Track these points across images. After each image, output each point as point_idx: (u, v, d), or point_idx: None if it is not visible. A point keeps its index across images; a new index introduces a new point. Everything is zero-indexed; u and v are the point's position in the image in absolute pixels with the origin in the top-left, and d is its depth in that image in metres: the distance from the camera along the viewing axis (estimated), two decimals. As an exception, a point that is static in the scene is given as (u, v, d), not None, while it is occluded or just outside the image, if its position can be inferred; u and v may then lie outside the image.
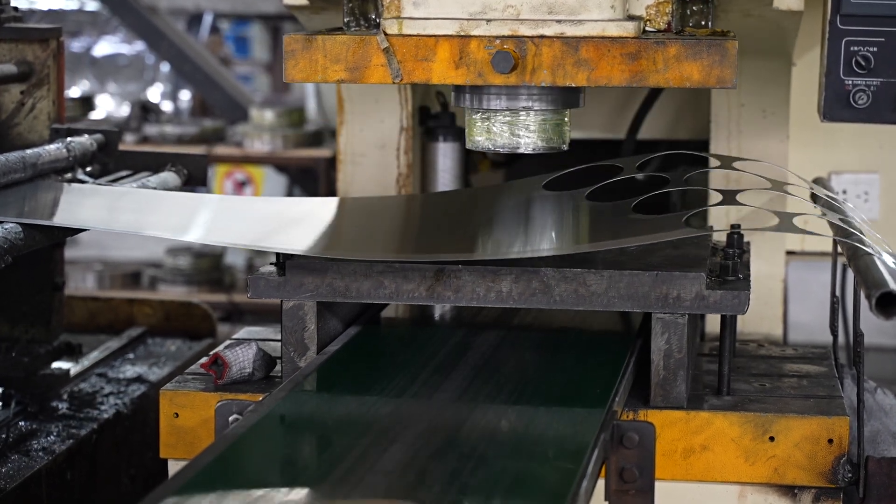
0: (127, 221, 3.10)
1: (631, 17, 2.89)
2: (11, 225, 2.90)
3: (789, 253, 3.84)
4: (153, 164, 3.64)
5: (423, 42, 2.84)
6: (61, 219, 3.02)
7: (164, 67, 13.81)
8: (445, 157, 3.86)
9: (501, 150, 2.97)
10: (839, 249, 2.95)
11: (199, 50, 10.06)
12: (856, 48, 2.92)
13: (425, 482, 2.22)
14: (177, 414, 2.89)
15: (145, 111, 8.90)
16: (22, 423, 3.41)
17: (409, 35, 2.84)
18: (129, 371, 3.88)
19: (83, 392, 3.68)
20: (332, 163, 7.95)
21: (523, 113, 2.94)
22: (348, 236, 3.25)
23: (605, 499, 2.53)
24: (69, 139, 3.44)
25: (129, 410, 3.62)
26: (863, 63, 2.91)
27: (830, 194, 3.22)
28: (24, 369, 3.55)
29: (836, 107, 2.95)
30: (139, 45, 14.10)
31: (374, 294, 2.87)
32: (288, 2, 3.41)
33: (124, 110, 11.79)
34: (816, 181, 3.52)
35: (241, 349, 2.94)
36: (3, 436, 3.33)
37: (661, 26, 2.92)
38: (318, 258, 2.89)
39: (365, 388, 2.71)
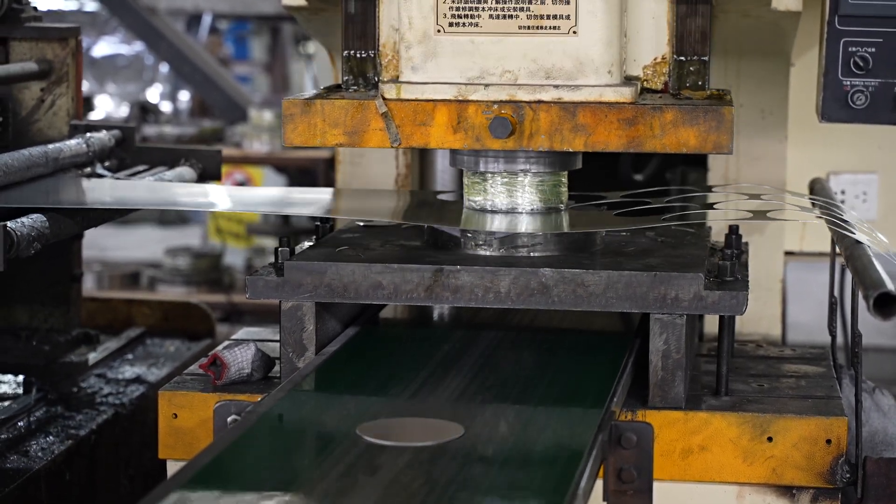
0: (152, 199, 3.28)
1: (628, 79, 2.92)
2: (37, 215, 2.98)
3: (788, 253, 3.85)
4: (168, 159, 3.73)
5: (421, 107, 2.87)
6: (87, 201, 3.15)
7: (164, 68, 13.83)
8: (444, 157, 3.86)
9: (499, 211, 2.99)
10: (837, 250, 2.95)
11: (198, 51, 10.06)
12: (854, 49, 2.92)
13: (425, 482, 2.22)
14: (175, 415, 2.89)
15: (144, 112, 8.91)
16: (43, 409, 3.51)
17: (408, 100, 2.88)
18: (128, 371, 3.88)
19: (82, 392, 3.68)
20: (330, 163, 7.95)
21: (521, 175, 2.97)
22: (355, 206, 3.31)
23: (604, 499, 2.53)
24: (88, 135, 3.55)
25: (127, 411, 3.62)
26: (861, 64, 2.91)
27: (829, 200, 3.22)
28: (44, 357, 3.65)
29: (835, 107, 2.95)
30: (138, 46, 14.12)
31: (373, 295, 2.87)
32: (287, 2, 3.42)
33: (123, 111, 11.81)
34: (815, 182, 3.52)
35: (240, 350, 2.94)
36: (25, 421, 3.41)
37: (658, 86, 2.95)
38: (317, 259, 2.90)
39: (364, 389, 2.72)
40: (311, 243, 3.14)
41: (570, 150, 2.86)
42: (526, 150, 2.88)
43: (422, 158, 3.92)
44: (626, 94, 2.84)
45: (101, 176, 3.50)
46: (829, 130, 3.88)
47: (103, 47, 14.29)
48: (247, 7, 13.40)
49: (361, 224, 3.32)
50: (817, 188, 3.39)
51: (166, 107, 13.06)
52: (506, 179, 2.99)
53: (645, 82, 2.96)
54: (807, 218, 3.18)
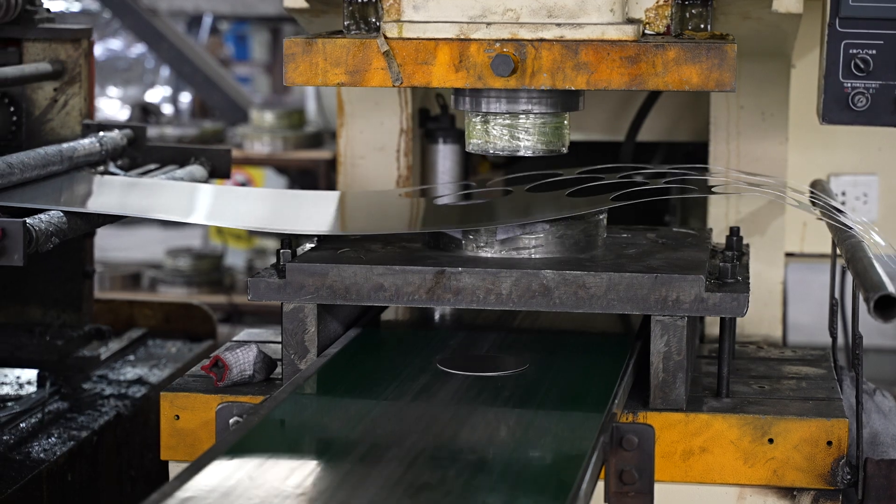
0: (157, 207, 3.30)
1: (630, 21, 2.90)
2: (54, 212, 3.01)
3: (788, 255, 3.85)
4: (179, 157, 3.78)
5: (422, 45, 2.85)
6: (95, 206, 3.18)
7: (165, 71, 13.82)
8: (445, 159, 3.87)
9: (501, 154, 2.98)
10: (838, 251, 2.96)
11: (199, 52, 10.07)
12: (855, 51, 2.92)
13: (426, 483, 2.23)
14: (178, 416, 2.90)
15: (145, 113, 8.91)
16: (57, 404, 3.57)
17: (409, 38, 2.85)
18: (130, 373, 3.89)
19: (84, 393, 3.68)
20: (331, 164, 7.96)
21: (523, 116, 2.95)
22: (353, 218, 3.32)
23: (605, 500, 2.53)
24: (101, 134, 3.61)
25: (129, 412, 3.62)
26: (862, 66, 2.92)
27: (830, 200, 3.23)
28: (57, 352, 3.71)
29: (835, 109, 2.96)
30: (140, 48, 14.12)
31: (375, 296, 2.88)
32: (288, 4, 3.42)
33: (124, 113, 11.81)
34: (815, 183, 3.52)
35: (242, 351, 2.95)
36: (40, 415, 3.47)
37: (660, 29, 2.93)
38: (319, 261, 2.90)
39: (365, 391, 2.72)
40: (312, 245, 3.14)
41: (573, 88, 2.83)
42: (528, 89, 2.86)
43: (423, 160, 3.92)
44: (628, 31, 2.82)
45: (113, 174, 3.56)
46: (830, 132, 3.89)
47: (104, 49, 14.29)
48: (247, 8, 13.41)
49: (363, 226, 3.32)
50: (818, 190, 3.40)
51: (167, 108, 13.06)
52: (507, 121, 2.97)
53: (647, 25, 2.94)
54: (800, 205, 3.18)
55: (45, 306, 3.82)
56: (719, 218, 3.68)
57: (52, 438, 3.35)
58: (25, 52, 3.70)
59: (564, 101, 2.97)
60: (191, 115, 11.23)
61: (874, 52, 2.92)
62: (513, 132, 2.96)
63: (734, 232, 3.20)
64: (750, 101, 3.70)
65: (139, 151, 3.74)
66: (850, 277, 2.79)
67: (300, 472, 2.27)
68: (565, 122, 3.01)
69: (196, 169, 3.72)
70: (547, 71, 2.81)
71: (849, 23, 2.92)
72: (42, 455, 3.25)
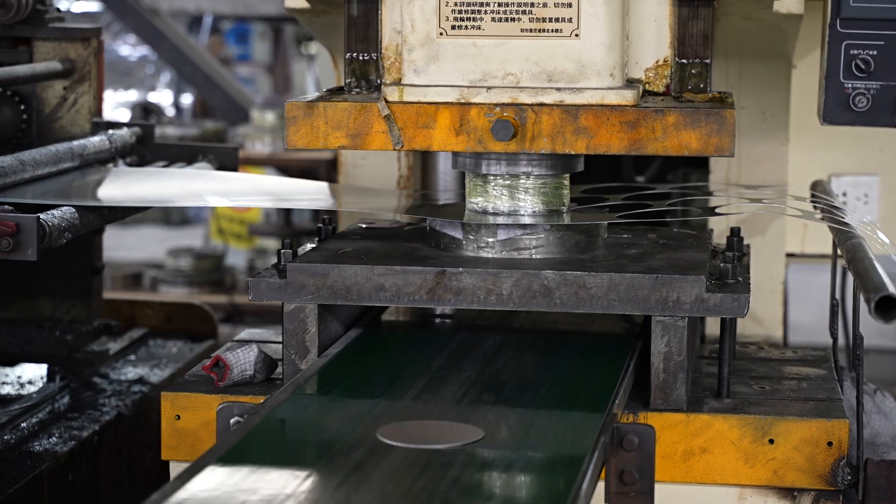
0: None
1: (630, 82, 2.93)
2: (67, 207, 3.06)
3: (789, 255, 3.85)
4: (187, 155, 3.83)
5: (423, 109, 2.87)
6: (107, 199, 3.25)
7: (164, 77, 13.83)
8: (446, 159, 3.87)
9: (501, 213, 3.00)
10: (839, 252, 2.96)
11: (200, 52, 10.07)
12: (856, 51, 2.92)
13: (426, 483, 2.23)
14: (178, 416, 2.90)
15: (146, 113, 8.92)
16: (58, 404, 3.61)
17: (410, 102, 2.88)
18: (131, 372, 3.89)
19: (85, 393, 3.69)
20: (333, 165, 7.96)
21: (523, 177, 2.98)
22: (349, 202, 3.38)
23: (605, 501, 2.53)
24: (111, 132, 3.67)
25: (130, 412, 3.63)
26: (862, 66, 2.92)
27: (829, 199, 3.23)
28: (66, 347, 3.75)
29: (836, 110, 2.96)
30: (142, 49, 14.11)
31: (375, 297, 2.88)
32: (289, 5, 3.42)
33: (125, 114, 11.82)
34: (816, 184, 3.52)
35: (243, 351, 2.95)
36: (50, 408, 3.52)
37: (659, 89, 2.96)
38: (320, 261, 2.90)
39: (366, 391, 2.72)
40: (313, 245, 3.14)
41: (573, 152, 2.86)
42: (528, 152, 2.88)
43: (424, 160, 3.92)
44: (628, 96, 2.84)
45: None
46: (831, 133, 3.89)
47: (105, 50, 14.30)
48: (249, 8, 13.41)
49: (364, 226, 3.32)
50: (819, 190, 3.40)
51: (169, 109, 13.07)
52: (508, 182, 2.99)
53: (647, 85, 2.96)
54: (805, 214, 3.19)
55: (54, 302, 3.87)
56: (720, 219, 3.68)
57: (53, 438, 3.35)
58: (36, 50, 3.74)
59: (564, 163, 3.00)
60: (192, 115, 11.23)
61: (875, 52, 2.92)
62: (513, 193, 2.99)
63: (735, 232, 3.20)
64: (751, 101, 3.70)
65: (147, 149, 3.80)
66: (850, 278, 2.79)
67: (301, 473, 2.27)
68: (565, 182, 3.03)
69: (204, 166, 3.77)
70: (547, 135, 2.84)
71: (850, 23, 2.92)
72: (43, 455, 3.26)
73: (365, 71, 3.03)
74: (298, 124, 2.93)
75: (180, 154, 3.83)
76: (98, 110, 3.79)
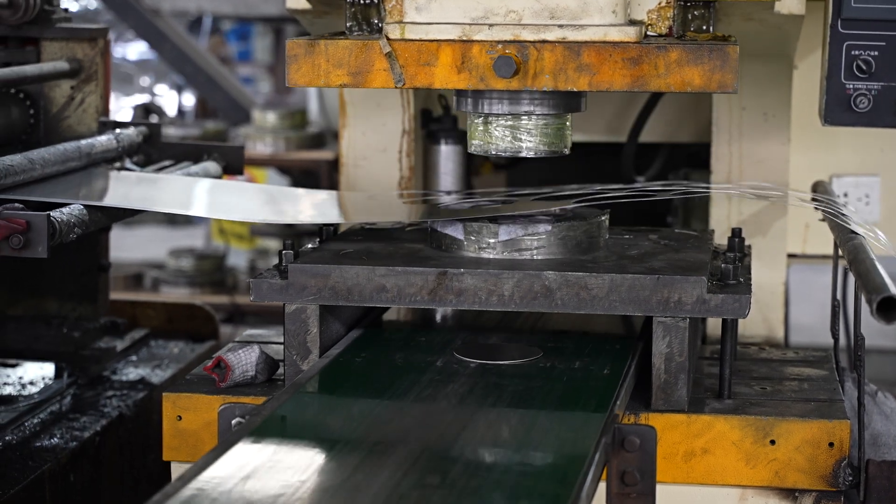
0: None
1: (632, 22, 2.90)
2: (75, 205, 3.09)
3: (790, 256, 3.85)
4: (193, 154, 3.86)
5: (425, 47, 2.85)
6: (114, 200, 3.28)
7: (165, 82, 13.83)
8: (447, 160, 3.87)
9: (503, 154, 2.99)
10: (840, 252, 2.96)
11: (201, 52, 10.07)
12: (857, 52, 2.93)
13: (428, 484, 2.23)
14: (180, 417, 2.90)
15: (148, 113, 8.90)
16: (74, 393, 3.68)
17: (412, 40, 2.86)
18: (132, 373, 3.89)
19: (87, 394, 3.69)
20: (334, 165, 7.96)
21: (525, 117, 2.95)
22: (354, 211, 3.41)
23: (607, 502, 2.53)
24: (118, 131, 3.71)
25: (132, 413, 3.63)
26: (864, 67, 2.92)
27: (831, 198, 3.23)
28: (73, 344, 3.79)
29: (837, 110, 2.96)
30: (143, 50, 14.11)
31: (377, 297, 2.88)
32: (290, 5, 3.43)
33: (125, 115, 11.82)
34: (817, 184, 3.53)
35: (244, 352, 2.95)
36: (58, 405, 3.58)
37: (662, 31, 2.93)
38: (321, 262, 2.91)
39: (367, 392, 2.72)
40: (314, 245, 3.14)
41: (575, 89, 2.83)
42: (530, 90, 2.86)
43: (425, 161, 3.92)
44: (630, 33, 2.82)
45: (129, 170, 3.63)
46: (832, 133, 3.89)
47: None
48: (250, 9, 13.41)
49: (367, 227, 3.32)
50: (820, 191, 3.40)
51: (171, 110, 13.07)
52: (510, 122, 2.97)
53: (649, 26, 2.94)
54: (801, 203, 3.19)
55: (61, 299, 3.90)
56: (721, 219, 3.68)
57: (55, 439, 3.36)
58: (43, 50, 3.78)
59: (567, 102, 2.97)
60: (195, 117, 11.23)
61: (876, 53, 2.92)
62: (515, 133, 2.96)
63: (736, 233, 3.20)
64: (752, 102, 3.70)
65: (154, 148, 3.83)
66: (852, 278, 2.79)
67: (302, 473, 2.27)
68: (567, 123, 3.01)
69: (210, 165, 3.79)
70: (549, 72, 2.82)
71: (851, 24, 2.92)
72: (45, 455, 3.26)
73: (367, 14, 3.01)
74: (299, 62, 2.91)
75: (186, 153, 3.86)
76: (105, 110, 3.83)
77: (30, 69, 3.61)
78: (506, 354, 2.93)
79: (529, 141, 2.97)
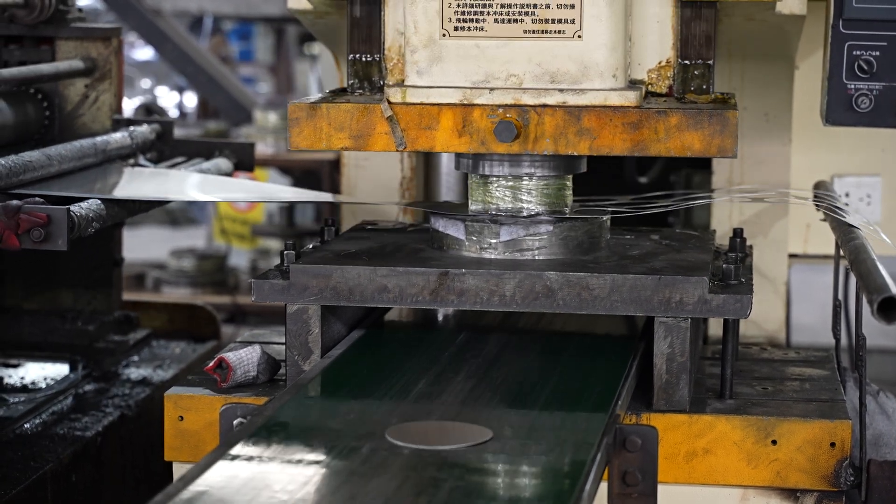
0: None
1: (633, 83, 2.93)
2: (93, 200, 3.15)
3: (792, 256, 3.85)
4: (205, 151, 3.94)
5: (426, 111, 2.88)
6: (124, 193, 3.35)
7: (166, 84, 13.83)
8: (449, 160, 3.87)
9: (504, 215, 3.01)
10: (842, 253, 2.96)
11: (203, 53, 10.07)
12: (858, 52, 2.93)
13: (429, 484, 2.23)
14: (181, 417, 2.90)
15: (150, 114, 8.90)
16: (89, 387, 3.74)
17: (413, 104, 2.88)
18: (134, 373, 3.89)
19: (87, 394, 3.69)
20: (335, 165, 7.96)
21: (526, 178, 2.98)
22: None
23: (608, 502, 2.54)
24: (132, 128, 3.78)
25: (133, 413, 3.63)
26: (865, 67, 2.92)
27: (832, 196, 3.23)
28: (87, 338, 3.86)
29: (839, 111, 2.96)
30: (143, 51, 14.11)
31: (378, 298, 2.88)
32: (292, 5, 3.43)
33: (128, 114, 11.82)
34: (819, 184, 3.53)
35: (246, 353, 2.95)
36: (72, 397, 3.65)
37: (662, 90, 2.96)
38: (323, 262, 2.91)
39: (369, 392, 2.72)
40: (316, 245, 3.14)
41: (575, 153, 2.86)
42: (531, 153, 2.88)
43: (426, 161, 3.93)
44: (630, 97, 2.84)
45: (143, 166, 3.69)
46: (833, 133, 3.89)
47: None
48: (251, 9, 13.42)
49: (368, 227, 3.33)
50: (821, 191, 3.40)
51: (173, 110, 13.07)
52: (510, 183, 3.00)
53: (649, 86, 2.96)
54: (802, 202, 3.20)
55: (75, 293, 3.96)
56: (723, 219, 3.68)
57: (57, 439, 3.36)
58: (58, 49, 3.83)
59: (567, 164, 3.00)
60: (197, 117, 11.23)
61: (878, 53, 2.92)
62: (516, 194, 2.99)
63: (737, 233, 3.20)
64: (753, 102, 3.70)
65: (167, 145, 3.90)
66: (853, 278, 2.79)
67: (303, 474, 2.27)
68: (568, 183, 3.03)
69: (222, 161, 3.86)
70: (550, 136, 2.84)
71: (852, 24, 2.92)
72: (46, 455, 3.26)
73: (368, 72, 3.03)
74: (301, 125, 2.93)
75: (198, 150, 3.93)
76: (118, 108, 3.88)
77: (45, 68, 3.67)
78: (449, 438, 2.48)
79: (530, 202, 2.99)
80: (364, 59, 3.02)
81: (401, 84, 2.94)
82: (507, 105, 2.86)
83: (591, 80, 2.87)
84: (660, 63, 2.96)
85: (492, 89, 2.88)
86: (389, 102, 2.90)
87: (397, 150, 2.90)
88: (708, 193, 3.55)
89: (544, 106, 2.85)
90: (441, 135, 2.88)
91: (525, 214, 2.99)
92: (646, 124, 2.82)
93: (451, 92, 2.88)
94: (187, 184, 3.58)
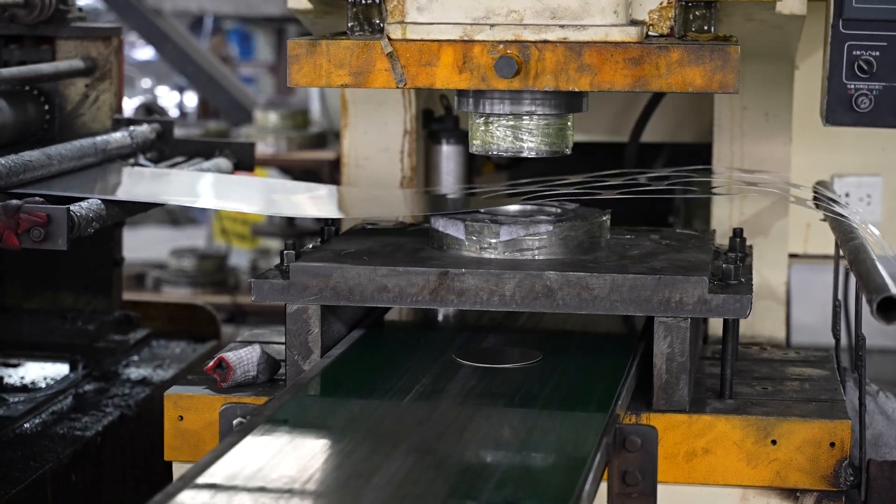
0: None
1: (634, 22, 2.90)
2: (93, 199, 3.14)
3: (792, 256, 3.85)
4: (205, 150, 3.94)
5: (426, 47, 2.86)
6: (129, 194, 3.36)
7: (166, 84, 13.82)
8: (449, 160, 3.87)
9: (504, 154, 2.99)
10: (841, 253, 2.96)
11: (203, 53, 10.07)
12: (858, 52, 2.93)
13: (428, 484, 2.23)
14: (181, 416, 2.90)
15: (149, 113, 8.91)
16: (89, 387, 3.74)
17: (413, 40, 2.86)
18: (134, 373, 3.89)
19: (87, 394, 3.69)
20: (335, 165, 7.96)
21: (526, 117, 2.95)
22: (354, 206, 3.44)
23: (608, 502, 2.54)
24: (132, 128, 3.78)
25: (133, 413, 3.63)
26: (865, 67, 2.92)
27: (834, 199, 3.23)
28: (87, 337, 3.85)
29: (839, 111, 2.96)
30: (145, 50, 14.10)
31: (378, 297, 2.88)
32: (292, 5, 3.43)
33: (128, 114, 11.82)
34: (819, 184, 3.52)
35: (246, 352, 2.95)
36: (72, 397, 3.64)
37: (663, 31, 2.93)
38: (323, 261, 2.91)
39: (369, 392, 2.72)
40: (315, 245, 3.14)
41: (576, 89, 2.84)
42: (531, 90, 2.87)
43: (426, 161, 3.93)
44: (631, 33, 2.82)
45: (143, 166, 3.70)
46: (834, 133, 3.89)
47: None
48: (251, 9, 13.41)
49: (368, 227, 3.33)
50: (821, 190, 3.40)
51: (173, 110, 13.06)
52: (511, 122, 2.97)
53: (651, 27, 2.93)
54: (796, 200, 3.19)
55: (76, 293, 3.96)
56: (723, 219, 3.68)
57: (56, 439, 3.36)
58: (58, 49, 3.83)
59: (568, 102, 2.97)
60: (197, 117, 11.22)
61: (877, 53, 2.92)
62: (516, 133, 2.96)
63: (737, 233, 3.20)
64: (753, 102, 3.70)
65: (167, 145, 3.90)
66: (853, 278, 2.79)
67: (303, 474, 2.28)
68: (569, 123, 3.01)
69: (222, 161, 3.86)
70: (550, 72, 2.82)
71: (852, 24, 2.92)
72: (46, 455, 3.26)
73: (368, 15, 3.02)
74: (301, 62, 2.91)
75: (198, 150, 3.93)
76: (118, 107, 3.88)
77: (45, 67, 3.67)
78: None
79: (531, 141, 2.97)
80: (364, 1, 3.01)
81: (401, 21, 2.92)
82: (507, 41, 2.83)
83: (592, 15, 2.84)
84: (661, 3, 2.93)
85: (492, 25, 2.85)
86: (389, 39, 2.88)
87: (397, 87, 2.87)
88: (707, 167, 3.54)
89: (545, 42, 2.83)
90: (441, 71, 2.86)
91: (525, 154, 2.98)
92: (647, 60, 2.80)
93: (452, 28, 2.86)
94: (199, 186, 3.58)
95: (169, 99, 14.52)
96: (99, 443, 3.44)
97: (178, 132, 4.08)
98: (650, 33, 2.92)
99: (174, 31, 9.65)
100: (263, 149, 8.35)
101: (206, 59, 9.80)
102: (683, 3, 2.94)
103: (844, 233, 2.98)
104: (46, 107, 3.79)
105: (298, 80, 2.91)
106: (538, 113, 2.95)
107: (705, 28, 2.94)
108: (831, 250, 3.33)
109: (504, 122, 2.96)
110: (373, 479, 2.24)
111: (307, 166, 8.42)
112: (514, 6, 2.86)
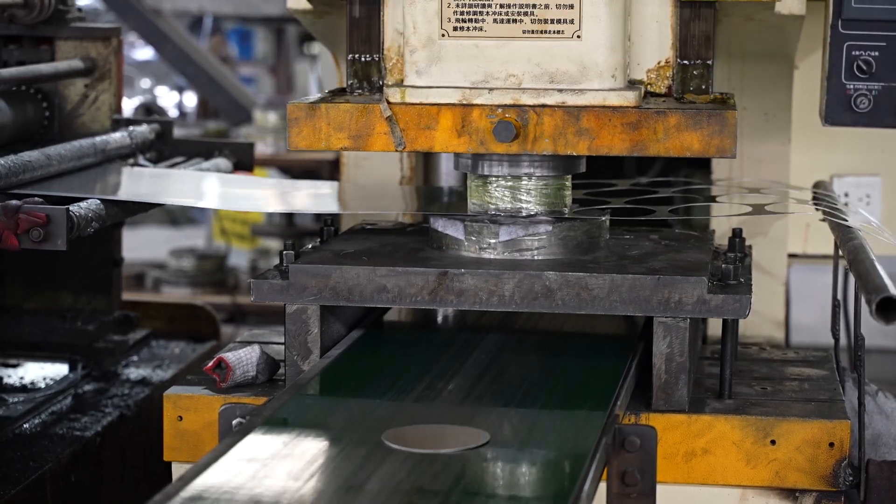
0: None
1: (632, 83, 2.93)
2: (92, 200, 3.15)
3: (791, 256, 3.85)
4: (204, 151, 3.96)
5: (425, 111, 2.87)
6: (129, 194, 3.37)
7: (166, 84, 13.82)
8: (448, 160, 3.87)
9: (502, 214, 3.01)
10: (840, 253, 2.96)
11: (202, 53, 10.07)
12: (857, 52, 2.93)
13: (428, 483, 2.23)
14: (181, 417, 2.90)
15: (149, 113, 8.91)
16: (88, 387, 3.76)
17: (412, 104, 2.88)
18: (134, 373, 3.89)
19: (86, 394, 3.69)
20: (335, 165, 7.96)
21: (525, 178, 2.98)
22: (353, 201, 3.45)
23: (607, 502, 2.54)
24: (131, 128, 3.80)
25: (133, 413, 3.63)
26: (864, 67, 2.92)
27: (830, 195, 3.23)
28: (87, 337, 3.86)
29: (838, 111, 2.96)
30: (145, 50, 14.11)
31: (378, 298, 2.88)
32: (292, 5, 3.43)
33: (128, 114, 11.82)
34: (818, 184, 3.53)
35: (245, 353, 2.95)
36: (71, 397, 3.66)
37: (661, 90, 2.95)
38: (322, 262, 2.91)
39: (368, 392, 2.72)
40: (315, 245, 3.15)
41: (574, 154, 2.86)
42: (530, 153, 2.88)
43: (426, 161, 3.93)
44: (629, 98, 2.84)
45: (143, 166, 3.71)
46: (833, 133, 3.89)
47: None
48: (251, 9, 13.41)
49: (368, 227, 3.33)
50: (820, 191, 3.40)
51: (172, 110, 13.07)
52: (510, 183, 3.00)
53: (649, 86, 2.96)
54: (806, 210, 3.20)
55: (75, 293, 3.96)
56: (722, 219, 3.68)
57: (56, 439, 3.36)
58: (58, 49, 3.84)
59: (566, 164, 3.00)
60: (197, 117, 11.23)
61: (877, 53, 2.92)
62: (515, 194, 3.00)
63: (737, 233, 3.20)
64: (753, 102, 3.70)
65: (166, 145, 3.91)
66: (852, 278, 2.80)
67: (303, 474, 2.28)
68: (567, 183, 3.04)
69: (221, 161, 3.87)
70: (549, 136, 2.84)
71: (851, 24, 2.93)
72: (46, 455, 3.26)
73: (367, 72, 3.03)
74: (300, 125, 2.93)
75: (197, 150, 3.93)
76: (118, 108, 3.89)
77: (45, 68, 3.67)
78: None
79: (529, 201, 2.99)
80: (363, 59, 3.02)
81: (400, 84, 2.94)
82: (506, 105, 2.86)
83: (591, 80, 2.87)
84: (659, 63, 2.96)
85: (491, 89, 2.88)
86: (388, 102, 2.90)
87: (396, 150, 2.90)
88: (708, 185, 3.55)
89: (543, 106, 2.85)
90: (440, 135, 2.88)
91: (524, 214, 2.99)
92: (645, 124, 2.82)
93: (451, 92, 2.88)
94: (199, 185, 3.58)
95: (168, 99, 14.52)
96: (98, 443, 3.44)
97: (178, 132, 4.08)
98: (648, 90, 2.94)
99: (174, 32, 9.65)
100: (263, 149, 8.36)
101: (205, 59, 9.80)
102: (680, 63, 2.95)
103: (844, 233, 2.98)
104: (46, 107, 3.80)
105: (298, 143, 2.94)
106: (537, 175, 2.98)
107: (703, 87, 2.95)
108: (831, 250, 3.34)
109: (503, 182, 2.99)
110: (372, 481, 2.24)
111: (307, 166, 8.43)
112: (513, 70, 2.88)
